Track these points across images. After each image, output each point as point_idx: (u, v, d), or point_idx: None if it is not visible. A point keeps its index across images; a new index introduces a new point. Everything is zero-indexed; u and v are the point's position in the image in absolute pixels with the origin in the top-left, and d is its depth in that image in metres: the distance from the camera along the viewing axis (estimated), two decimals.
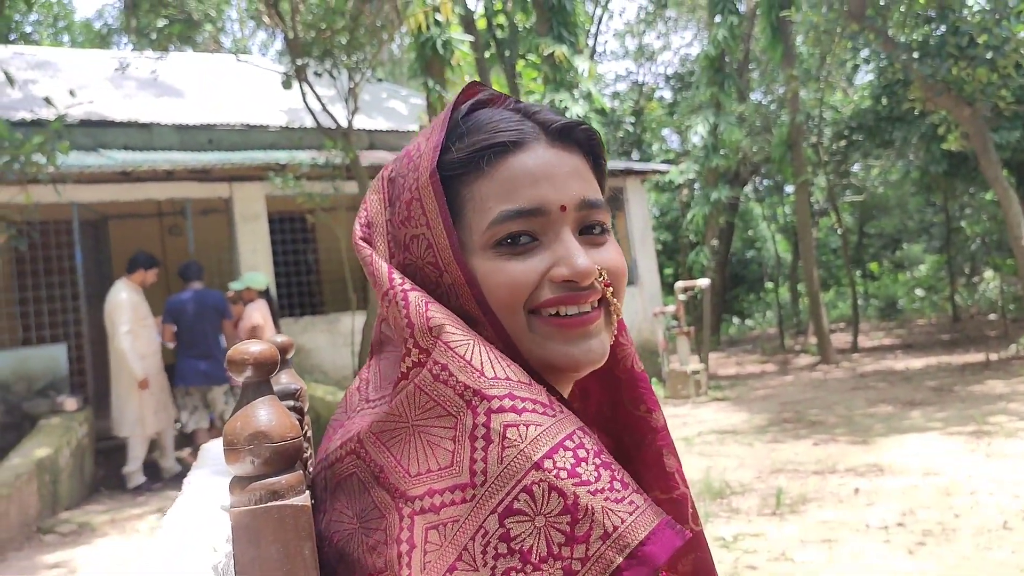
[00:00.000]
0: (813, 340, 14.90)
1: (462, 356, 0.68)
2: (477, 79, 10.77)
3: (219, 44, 17.42)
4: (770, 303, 22.51)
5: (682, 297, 11.78)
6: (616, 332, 0.85)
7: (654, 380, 11.68)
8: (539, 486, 0.63)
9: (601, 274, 0.75)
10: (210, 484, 0.79)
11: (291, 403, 0.86)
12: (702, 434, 8.09)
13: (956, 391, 9.04)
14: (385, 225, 0.78)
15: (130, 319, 7.52)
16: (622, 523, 0.62)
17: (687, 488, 0.87)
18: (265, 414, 0.65)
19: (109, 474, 8.04)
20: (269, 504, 0.64)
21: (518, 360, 0.72)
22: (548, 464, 0.63)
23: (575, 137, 0.79)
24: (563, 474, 0.63)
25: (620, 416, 0.87)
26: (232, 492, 0.65)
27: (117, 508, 7.05)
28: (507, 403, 0.66)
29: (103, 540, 6.11)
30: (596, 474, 0.64)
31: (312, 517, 0.67)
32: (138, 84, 12.40)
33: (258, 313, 7.55)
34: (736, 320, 22.94)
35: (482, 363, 0.68)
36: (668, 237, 23.04)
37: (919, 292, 21.15)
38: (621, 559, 0.61)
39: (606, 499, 0.62)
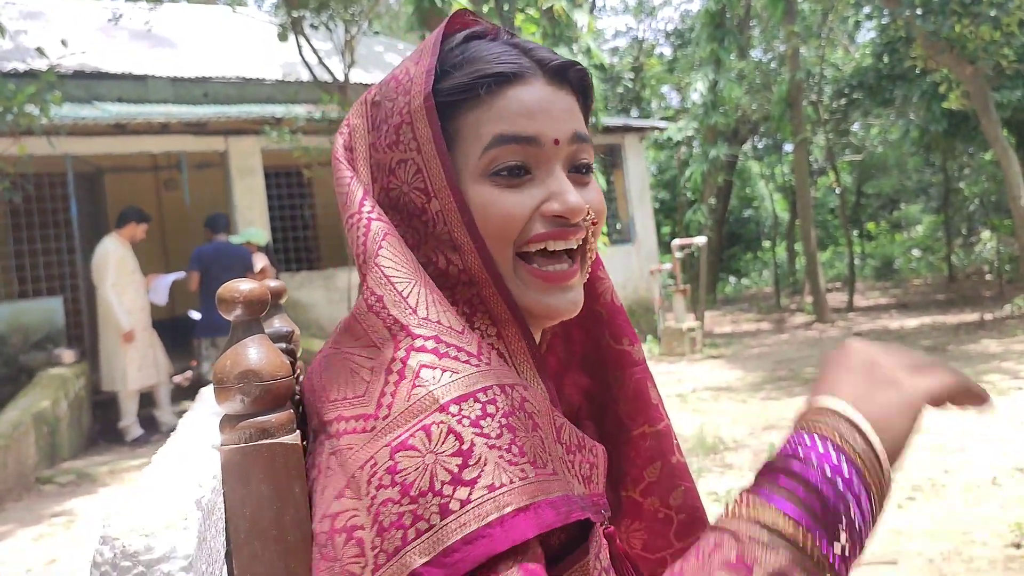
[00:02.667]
0: (809, 299, 14.93)
1: (400, 292, 0.68)
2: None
3: None
4: (767, 262, 22.50)
5: (679, 255, 11.76)
6: (592, 268, 0.87)
7: (650, 337, 11.73)
8: (438, 427, 0.62)
9: (589, 212, 0.76)
10: (204, 424, 0.80)
11: (283, 345, 0.86)
12: (696, 391, 8.13)
13: (950, 350, 9.08)
14: (367, 150, 0.77)
15: (116, 273, 7.51)
16: (510, 483, 0.61)
17: (669, 420, 0.90)
18: (255, 353, 0.65)
19: (107, 426, 8.08)
20: (259, 442, 0.64)
21: (501, 291, 0.73)
22: (453, 409, 0.63)
23: (569, 77, 0.80)
24: (465, 422, 0.62)
25: (604, 352, 0.89)
26: (222, 431, 0.65)
27: (116, 460, 7.10)
28: (430, 345, 0.66)
29: (103, 490, 6.16)
30: (498, 432, 0.63)
31: (304, 456, 0.67)
32: (131, 35, 12.22)
33: (260, 261, 7.61)
34: (732, 279, 22.96)
35: (417, 303, 0.68)
36: (666, 195, 22.96)
37: (916, 252, 21.16)
38: (495, 515, 0.60)
39: (500, 456, 0.62)
